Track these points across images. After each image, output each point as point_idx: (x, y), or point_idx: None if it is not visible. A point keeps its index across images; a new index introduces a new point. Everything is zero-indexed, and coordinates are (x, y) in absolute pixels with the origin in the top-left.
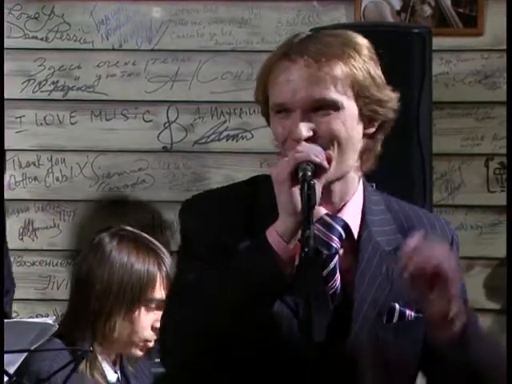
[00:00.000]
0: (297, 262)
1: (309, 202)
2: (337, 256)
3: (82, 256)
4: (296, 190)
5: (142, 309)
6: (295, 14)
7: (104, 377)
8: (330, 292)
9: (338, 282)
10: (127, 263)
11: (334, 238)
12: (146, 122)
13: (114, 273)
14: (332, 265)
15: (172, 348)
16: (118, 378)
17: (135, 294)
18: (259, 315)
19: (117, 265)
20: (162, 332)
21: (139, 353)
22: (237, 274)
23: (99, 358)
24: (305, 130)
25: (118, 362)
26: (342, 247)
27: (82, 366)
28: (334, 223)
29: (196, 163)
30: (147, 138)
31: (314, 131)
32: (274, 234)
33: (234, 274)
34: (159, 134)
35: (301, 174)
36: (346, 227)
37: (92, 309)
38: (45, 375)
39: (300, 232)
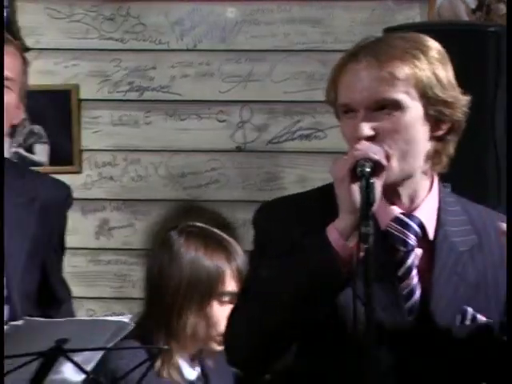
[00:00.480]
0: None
1: (367, 199)
2: (413, 254)
3: (153, 255)
4: (355, 188)
5: (215, 303)
6: (369, 13)
7: (181, 374)
8: (407, 290)
9: (415, 280)
10: (195, 259)
11: (410, 235)
12: (220, 121)
13: (183, 269)
14: (408, 263)
15: (236, 343)
16: (199, 375)
17: (205, 289)
18: (321, 310)
19: (185, 261)
20: (228, 327)
21: (218, 347)
22: (297, 272)
23: (176, 355)
24: (366, 129)
25: (198, 360)
26: (417, 246)
27: (159, 364)
28: (409, 221)
29: (269, 163)
30: (221, 137)
31: (376, 131)
32: (334, 232)
33: (294, 271)
34: (233, 133)
35: (359, 170)
36: (421, 226)
37: (165, 306)
38: (121, 373)
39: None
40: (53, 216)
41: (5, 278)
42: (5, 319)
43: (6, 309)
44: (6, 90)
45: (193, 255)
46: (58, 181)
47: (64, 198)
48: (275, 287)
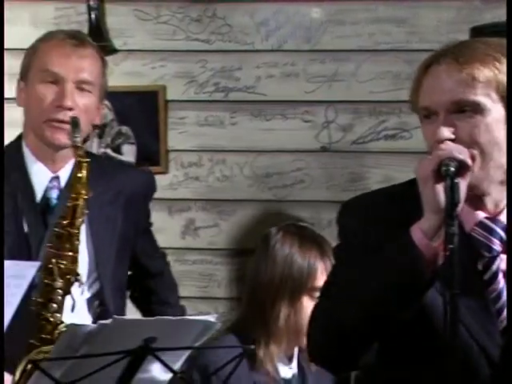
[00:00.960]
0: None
1: (452, 199)
2: (498, 259)
3: (255, 252)
4: (439, 187)
5: (306, 298)
6: (455, 12)
7: (276, 370)
8: (493, 294)
9: (501, 284)
10: (288, 255)
11: (495, 240)
12: (305, 122)
13: (276, 264)
14: (494, 268)
15: (319, 339)
16: (294, 374)
17: (297, 284)
18: (405, 310)
19: (279, 257)
20: (311, 323)
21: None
22: (381, 271)
23: (272, 349)
24: (446, 132)
25: (296, 359)
26: (502, 252)
27: (254, 357)
28: (494, 226)
29: (354, 163)
30: (305, 138)
31: (456, 134)
32: (418, 232)
33: (378, 270)
34: (317, 134)
35: (443, 170)
36: (506, 230)
37: (259, 300)
38: (212, 369)
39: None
40: (138, 207)
41: (95, 274)
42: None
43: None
44: (86, 93)
45: (287, 251)
46: (141, 171)
47: (146, 186)
48: (359, 286)
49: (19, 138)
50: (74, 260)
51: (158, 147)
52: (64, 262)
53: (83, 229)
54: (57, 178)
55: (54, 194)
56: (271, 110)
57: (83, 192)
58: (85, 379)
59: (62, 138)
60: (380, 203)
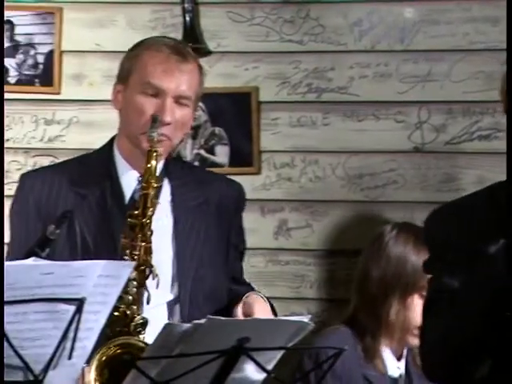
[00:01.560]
0: None
1: None
2: None
3: (365, 249)
4: None
5: (416, 296)
6: None
7: (385, 367)
8: None
9: None
10: (402, 253)
11: None
12: (398, 122)
13: (390, 261)
14: None
15: (431, 354)
16: (401, 374)
17: (409, 283)
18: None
19: (393, 254)
20: (422, 336)
21: (415, 341)
22: (486, 281)
23: (381, 346)
24: None
25: (404, 360)
26: None
27: (364, 351)
28: None
29: (447, 164)
30: (398, 138)
31: None
32: None
33: (483, 280)
34: (410, 134)
35: None
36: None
37: (371, 295)
38: (323, 357)
39: None
40: (227, 218)
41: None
42: (177, 319)
43: (177, 308)
44: (183, 106)
45: (401, 250)
46: (231, 180)
47: (236, 198)
48: (467, 298)
49: (112, 140)
50: (147, 251)
51: (250, 148)
52: (137, 253)
53: (169, 231)
54: None
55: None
56: (364, 110)
57: (153, 181)
58: (180, 378)
59: (159, 151)
60: (465, 210)
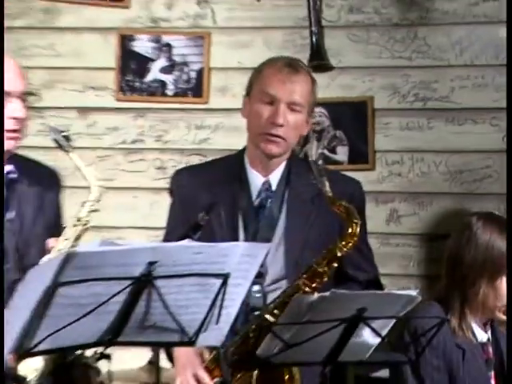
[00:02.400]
0: None
1: None
2: None
3: (454, 236)
4: None
5: (503, 278)
6: None
7: (473, 334)
8: None
9: None
10: (489, 241)
11: None
12: (493, 126)
13: (479, 248)
14: None
15: None
16: (489, 338)
17: (496, 267)
18: None
19: (481, 241)
20: None
21: (503, 317)
22: None
23: (469, 318)
24: None
25: (489, 326)
26: None
27: (455, 324)
28: None
29: None
30: (493, 140)
31: None
32: None
33: None
34: (504, 136)
35: None
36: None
37: (461, 277)
38: (420, 331)
39: None
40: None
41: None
42: None
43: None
44: (295, 112)
45: (488, 237)
46: (351, 179)
47: (357, 191)
48: None
49: (243, 149)
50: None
51: (366, 148)
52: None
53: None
54: (267, 182)
55: (266, 195)
56: (463, 116)
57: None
58: (308, 342)
59: (274, 149)
60: None
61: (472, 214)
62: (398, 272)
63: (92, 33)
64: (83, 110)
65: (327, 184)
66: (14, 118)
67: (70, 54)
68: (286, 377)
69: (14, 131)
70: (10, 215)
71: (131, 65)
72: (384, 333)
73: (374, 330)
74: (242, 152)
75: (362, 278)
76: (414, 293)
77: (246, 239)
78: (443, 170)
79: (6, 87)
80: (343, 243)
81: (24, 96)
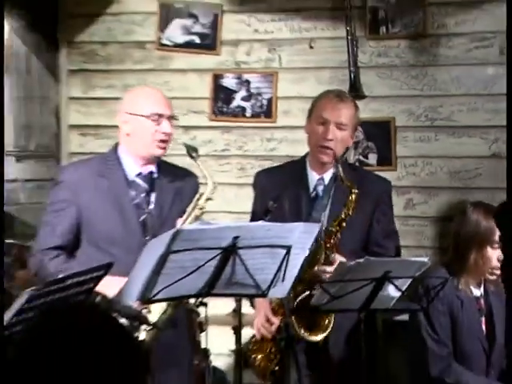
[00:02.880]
0: None
1: None
2: None
3: (455, 219)
4: None
5: (488, 248)
6: None
7: (470, 290)
8: None
9: None
10: (477, 220)
11: None
12: (483, 139)
13: (470, 226)
14: None
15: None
16: (481, 293)
17: (483, 238)
18: None
19: (471, 221)
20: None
21: (491, 277)
22: None
23: (466, 278)
24: None
25: (482, 285)
26: None
27: (456, 282)
28: None
29: None
30: (483, 149)
31: None
32: None
33: None
34: None
35: None
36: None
37: (459, 249)
38: (430, 287)
39: None
40: (374, 201)
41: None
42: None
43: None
44: (342, 130)
45: (476, 217)
46: (380, 176)
47: (385, 188)
48: None
49: (305, 155)
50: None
51: (390, 155)
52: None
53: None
54: (322, 179)
55: (320, 188)
56: (461, 132)
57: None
58: (347, 295)
59: (325, 158)
60: None
61: (467, 202)
62: (413, 245)
63: (194, 73)
64: (186, 128)
65: (341, 170)
66: (164, 133)
67: (179, 88)
68: (326, 321)
69: (164, 142)
70: (151, 206)
71: (221, 95)
72: (404, 288)
73: (396, 286)
74: (304, 157)
75: (383, 253)
76: (425, 259)
77: (305, 220)
78: (446, 171)
79: (159, 111)
80: (346, 208)
81: (170, 118)
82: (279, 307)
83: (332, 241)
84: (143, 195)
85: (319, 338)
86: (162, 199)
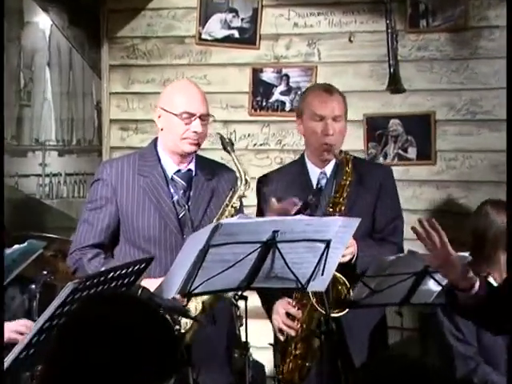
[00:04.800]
0: None
1: None
2: None
3: (472, 216)
4: None
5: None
6: None
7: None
8: None
9: None
10: (502, 221)
11: None
12: None
13: (493, 227)
14: None
15: None
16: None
17: (496, 236)
18: None
19: (494, 221)
20: None
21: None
22: None
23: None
24: None
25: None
26: None
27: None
28: None
29: None
30: None
31: None
32: None
33: None
34: None
35: None
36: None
37: (478, 244)
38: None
39: None
40: (376, 188)
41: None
42: None
43: None
44: (338, 122)
45: (501, 218)
46: (380, 164)
47: (379, 178)
48: None
49: (303, 154)
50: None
51: (430, 149)
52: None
53: None
54: (324, 172)
55: (323, 181)
56: (501, 125)
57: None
58: (388, 288)
59: (328, 156)
60: None
61: (484, 201)
62: (452, 239)
63: (233, 67)
64: (226, 122)
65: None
66: (195, 132)
67: (218, 83)
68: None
69: (195, 140)
70: (189, 203)
71: (260, 89)
72: (444, 283)
73: (436, 280)
74: (302, 157)
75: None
76: (466, 254)
77: (313, 213)
78: (487, 165)
79: (191, 110)
80: (344, 177)
81: (205, 116)
82: (301, 296)
83: (337, 209)
84: (181, 192)
85: (342, 313)
86: (199, 196)
